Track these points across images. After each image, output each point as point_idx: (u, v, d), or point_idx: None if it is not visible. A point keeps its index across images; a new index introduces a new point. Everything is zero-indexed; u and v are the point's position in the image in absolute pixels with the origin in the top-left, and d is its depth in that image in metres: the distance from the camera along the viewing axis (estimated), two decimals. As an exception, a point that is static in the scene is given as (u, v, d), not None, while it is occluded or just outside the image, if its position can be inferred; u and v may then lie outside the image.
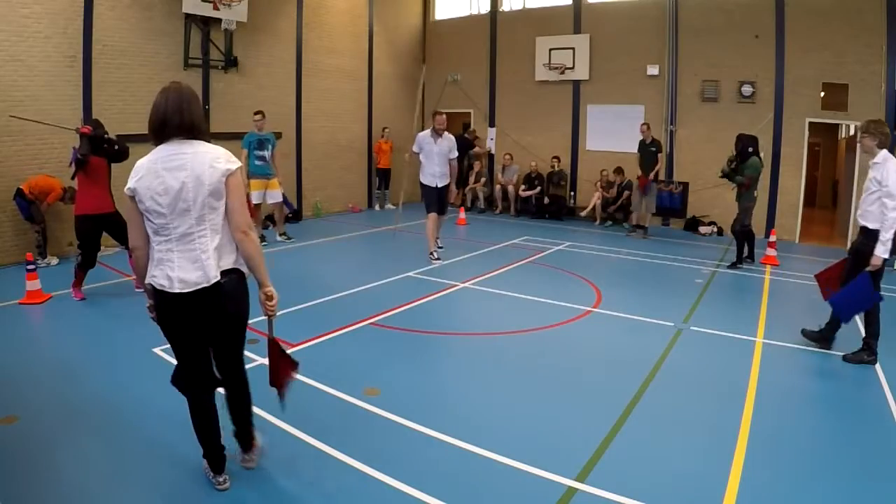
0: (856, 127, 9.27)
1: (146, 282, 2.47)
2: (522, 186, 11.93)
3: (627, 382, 4.00)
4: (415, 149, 7.54)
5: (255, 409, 2.92)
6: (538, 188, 11.78)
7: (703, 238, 10.00)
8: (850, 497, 2.77)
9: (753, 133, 9.84)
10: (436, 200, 7.48)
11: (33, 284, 5.50)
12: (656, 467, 2.98)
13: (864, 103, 8.93)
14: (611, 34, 11.22)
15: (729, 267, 7.65)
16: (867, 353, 4.37)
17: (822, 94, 9.37)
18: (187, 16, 8.53)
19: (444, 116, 7.48)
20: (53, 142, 7.29)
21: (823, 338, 4.69)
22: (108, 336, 4.73)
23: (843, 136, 11.96)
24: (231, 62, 9.23)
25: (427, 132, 7.49)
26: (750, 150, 7.47)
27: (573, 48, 11.51)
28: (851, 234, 9.22)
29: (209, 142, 2.50)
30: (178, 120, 2.40)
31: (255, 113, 8.41)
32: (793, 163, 9.70)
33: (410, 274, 6.89)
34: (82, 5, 7.33)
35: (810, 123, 9.56)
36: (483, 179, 12.63)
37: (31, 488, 2.68)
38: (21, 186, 6.67)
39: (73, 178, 5.68)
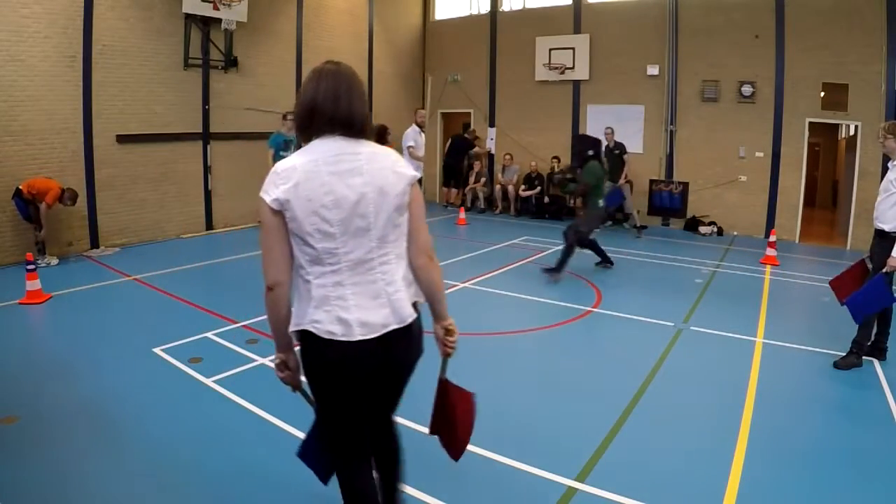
0: (856, 127, 9.28)
1: (293, 329, 1.81)
2: (522, 186, 11.94)
3: (627, 382, 4.00)
4: (409, 143, 8.22)
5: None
6: (538, 188, 11.78)
7: (703, 238, 10.00)
8: (850, 497, 2.77)
9: (754, 133, 9.93)
10: None
11: (33, 284, 5.50)
12: (656, 467, 2.98)
13: (864, 103, 8.93)
14: (611, 34, 11.22)
15: (598, 264, 7.25)
16: (856, 356, 4.36)
17: (822, 94, 9.37)
18: (187, 16, 8.53)
19: (424, 112, 8.63)
20: (53, 142, 7.29)
21: (874, 348, 4.52)
22: (109, 336, 4.73)
23: (843, 136, 11.95)
24: (231, 62, 9.23)
25: (415, 128, 8.28)
26: (590, 153, 6.98)
27: (573, 48, 11.51)
28: (851, 234, 9.24)
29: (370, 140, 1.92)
30: (333, 110, 1.78)
31: (289, 113, 8.56)
32: (793, 163, 9.70)
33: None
34: (82, 5, 7.33)
35: (810, 123, 9.55)
36: (483, 179, 12.63)
37: (31, 488, 2.68)
38: (20, 186, 6.67)
39: None
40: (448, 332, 2.00)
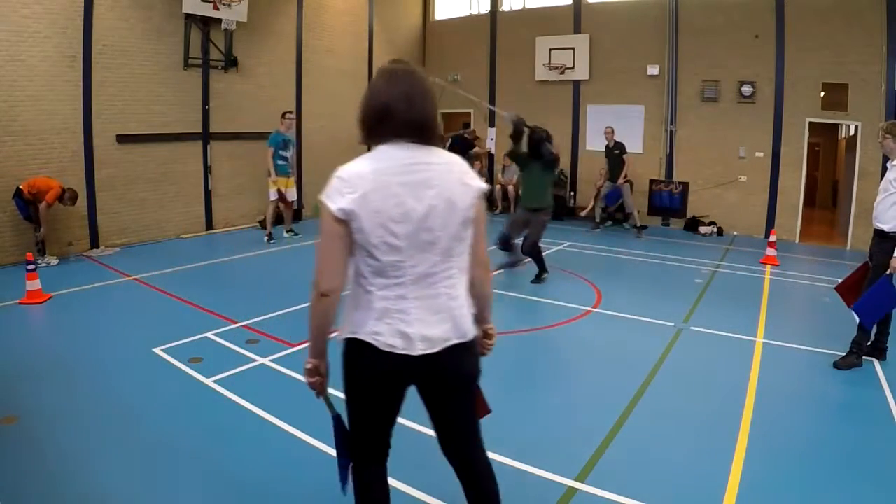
0: (856, 127, 9.28)
1: (347, 337, 1.79)
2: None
3: (627, 382, 4.00)
4: None
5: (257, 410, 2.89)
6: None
7: (703, 238, 10.00)
8: (850, 497, 2.77)
9: (754, 133, 9.93)
10: None
11: (33, 284, 5.49)
12: (656, 467, 2.98)
13: (864, 103, 8.93)
14: (611, 34, 11.22)
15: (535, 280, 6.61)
16: (856, 356, 4.35)
17: (822, 94, 9.37)
18: (187, 16, 8.52)
19: None
20: (53, 142, 7.29)
21: (874, 348, 4.52)
22: (109, 336, 4.73)
23: (843, 136, 11.95)
24: (231, 62, 9.23)
25: None
26: (533, 136, 6.52)
27: (573, 48, 11.51)
28: (851, 234, 9.24)
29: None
30: (405, 113, 1.68)
31: (289, 112, 8.66)
32: (793, 163, 9.70)
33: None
34: (82, 5, 7.33)
35: (810, 123, 9.55)
36: (483, 179, 12.63)
37: (31, 488, 2.68)
38: (20, 186, 6.67)
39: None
40: (487, 335, 1.99)
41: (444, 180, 1.71)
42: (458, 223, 1.72)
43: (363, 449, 1.93)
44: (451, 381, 1.84)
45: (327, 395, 1.94)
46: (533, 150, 6.50)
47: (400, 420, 3.30)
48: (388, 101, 1.68)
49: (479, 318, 1.94)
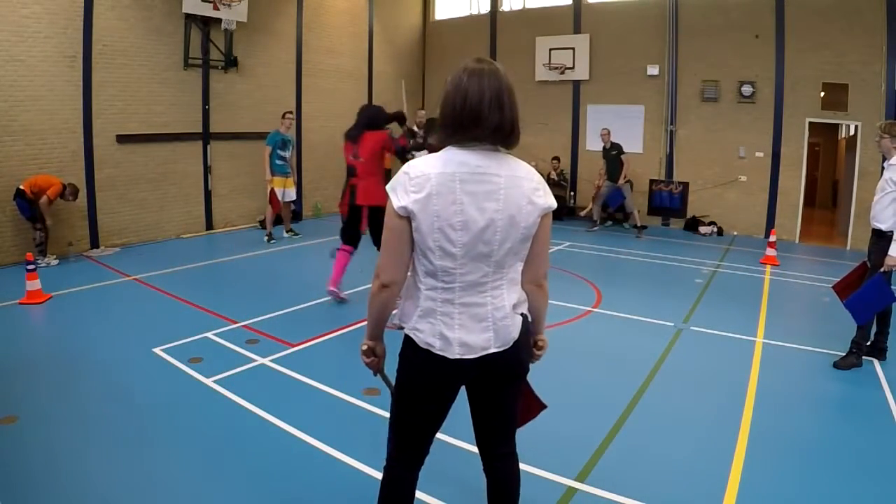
0: (856, 127, 9.28)
1: (399, 323, 1.81)
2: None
3: (627, 382, 4.00)
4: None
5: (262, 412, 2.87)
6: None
7: (703, 238, 10.00)
8: (850, 497, 2.77)
9: (754, 133, 9.92)
10: None
11: (33, 284, 5.50)
12: (656, 467, 2.98)
13: (864, 103, 8.93)
14: (611, 34, 11.22)
15: None
16: (856, 356, 4.36)
17: (822, 94, 9.37)
18: (187, 16, 8.53)
19: (423, 111, 8.76)
20: (53, 142, 7.29)
21: (874, 348, 4.52)
22: (109, 336, 4.73)
23: (843, 136, 11.96)
24: (231, 62, 9.23)
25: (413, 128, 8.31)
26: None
27: (573, 48, 11.51)
28: (851, 234, 9.24)
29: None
30: (497, 118, 1.63)
31: (288, 112, 8.68)
32: (793, 163, 9.70)
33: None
34: (82, 5, 7.33)
35: (810, 123, 9.55)
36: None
37: (31, 488, 2.68)
38: (21, 186, 6.67)
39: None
40: (538, 346, 1.96)
41: (510, 195, 1.65)
42: (517, 240, 1.69)
43: (397, 445, 1.93)
44: (489, 385, 1.84)
45: (385, 374, 1.97)
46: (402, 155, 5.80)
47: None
48: (479, 105, 1.62)
49: (532, 330, 1.91)
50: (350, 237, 5.62)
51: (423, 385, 1.80)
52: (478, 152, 1.66)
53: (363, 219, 5.43)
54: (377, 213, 5.15)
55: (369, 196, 5.28)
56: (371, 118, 5.42)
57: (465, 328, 1.71)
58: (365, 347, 1.87)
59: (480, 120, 1.62)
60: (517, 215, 1.66)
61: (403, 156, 5.65)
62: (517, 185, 1.67)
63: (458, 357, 1.71)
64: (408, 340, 1.78)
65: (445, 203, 1.61)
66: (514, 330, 1.76)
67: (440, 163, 1.64)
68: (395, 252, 1.68)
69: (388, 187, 1.67)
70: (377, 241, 5.15)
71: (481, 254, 1.66)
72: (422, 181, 1.61)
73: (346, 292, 5.80)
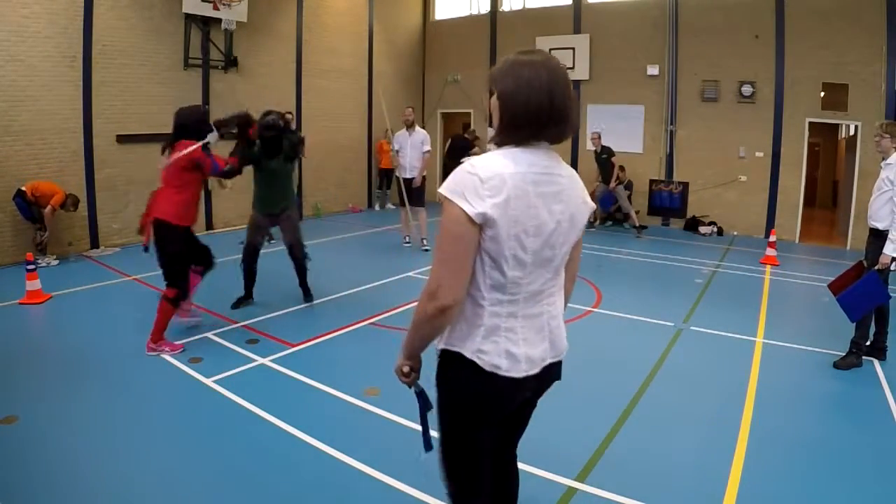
0: (856, 127, 9.28)
1: (449, 349, 1.61)
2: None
3: (627, 382, 4.00)
4: (395, 147, 8.22)
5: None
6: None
7: (703, 238, 10.01)
8: (850, 497, 2.77)
9: (754, 133, 9.92)
10: (405, 193, 8.18)
11: (33, 284, 5.50)
12: (656, 467, 2.98)
13: (864, 103, 8.93)
14: (611, 34, 11.22)
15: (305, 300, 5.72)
16: (856, 356, 4.35)
17: (822, 94, 9.37)
18: (187, 16, 8.53)
19: (410, 109, 8.31)
20: (53, 142, 7.30)
21: (874, 348, 4.52)
22: (109, 336, 4.73)
23: (843, 136, 11.95)
24: (231, 62, 9.23)
25: (404, 129, 8.14)
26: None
27: (573, 48, 11.51)
28: (851, 235, 9.24)
29: None
30: (558, 113, 1.51)
31: (287, 113, 8.63)
32: (793, 163, 9.70)
33: (410, 274, 6.89)
34: (82, 5, 7.33)
35: (810, 123, 9.56)
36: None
37: (31, 488, 2.68)
38: (23, 188, 6.68)
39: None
40: None
41: (570, 196, 1.59)
42: (572, 242, 1.63)
43: (463, 479, 1.74)
44: (537, 396, 1.78)
45: (421, 387, 1.78)
46: (269, 146, 5.27)
47: (400, 420, 3.30)
48: (542, 100, 1.48)
49: None
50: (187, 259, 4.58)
51: (489, 414, 1.64)
52: (540, 151, 1.55)
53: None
54: (162, 229, 4.31)
55: (161, 208, 4.38)
56: (184, 123, 4.50)
57: (528, 342, 1.59)
58: (406, 369, 1.67)
59: (542, 116, 1.50)
60: (577, 215, 1.60)
61: (229, 175, 4.93)
62: (574, 186, 1.61)
63: (524, 375, 1.58)
64: (461, 365, 1.58)
65: (522, 207, 1.47)
66: (565, 339, 1.70)
67: (510, 162, 1.49)
68: (461, 266, 1.47)
69: (448, 190, 1.47)
70: (161, 265, 4.43)
71: (545, 259, 1.56)
72: (498, 183, 1.45)
73: (348, 291, 5.79)
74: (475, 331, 1.55)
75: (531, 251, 1.51)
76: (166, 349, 4.33)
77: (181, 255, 4.46)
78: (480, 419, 1.65)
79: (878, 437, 3.37)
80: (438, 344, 1.63)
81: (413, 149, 8.04)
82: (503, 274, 1.51)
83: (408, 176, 8.13)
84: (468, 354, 1.56)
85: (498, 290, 1.53)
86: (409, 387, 1.73)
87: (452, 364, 1.60)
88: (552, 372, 1.71)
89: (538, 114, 1.49)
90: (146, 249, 4.49)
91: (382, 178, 12.19)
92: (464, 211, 1.43)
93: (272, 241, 8.49)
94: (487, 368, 1.54)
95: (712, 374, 4.25)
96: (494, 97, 1.56)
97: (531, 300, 1.59)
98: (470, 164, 1.49)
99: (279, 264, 7.45)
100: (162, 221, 4.31)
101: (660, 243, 9.35)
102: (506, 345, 1.55)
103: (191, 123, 4.46)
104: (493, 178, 1.44)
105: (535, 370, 1.61)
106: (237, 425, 3.34)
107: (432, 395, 1.72)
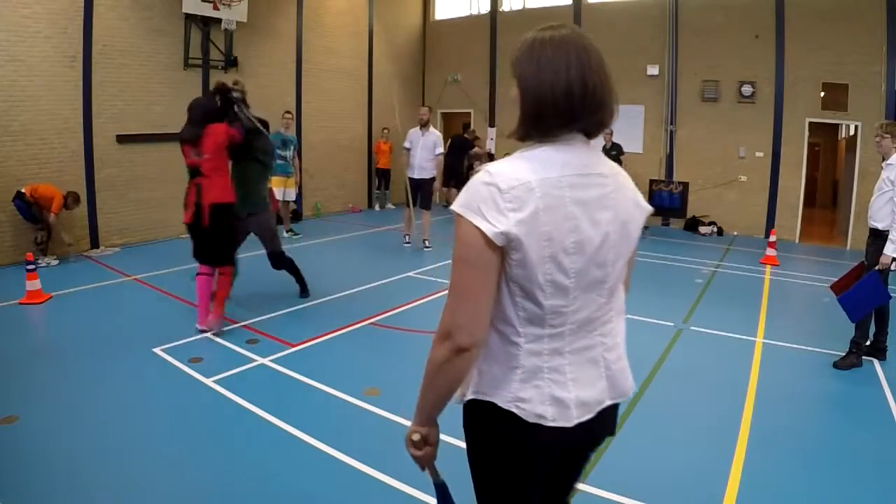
0: (856, 127, 9.29)
1: (478, 398, 1.30)
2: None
3: (627, 382, 4.00)
4: (406, 145, 8.12)
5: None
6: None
7: (703, 238, 10.01)
8: (850, 497, 2.77)
9: (754, 133, 9.93)
10: (411, 192, 8.12)
11: (33, 284, 5.49)
12: (656, 467, 2.98)
13: (864, 103, 8.93)
14: (611, 34, 11.20)
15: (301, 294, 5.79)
16: (856, 356, 4.35)
17: (822, 94, 9.38)
18: (187, 16, 8.53)
19: (426, 109, 8.16)
20: (53, 142, 7.29)
21: (874, 348, 4.52)
22: (109, 336, 4.72)
23: (843, 136, 11.96)
24: (231, 62, 9.23)
25: (417, 127, 8.01)
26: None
27: (573, 48, 11.50)
28: (851, 235, 9.25)
29: None
30: (591, 98, 1.21)
31: (286, 113, 8.67)
32: (793, 163, 9.71)
33: (410, 274, 6.89)
34: (82, 5, 7.33)
35: (810, 123, 9.56)
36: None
37: (31, 488, 2.68)
38: (23, 189, 6.68)
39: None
40: None
41: (619, 199, 1.26)
42: (627, 255, 1.30)
43: None
44: (594, 445, 1.47)
45: (434, 467, 1.45)
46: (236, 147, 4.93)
47: (400, 420, 3.29)
48: (572, 83, 1.18)
49: None
50: (205, 253, 4.69)
51: (533, 471, 1.32)
52: (575, 147, 1.23)
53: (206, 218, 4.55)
54: (221, 212, 4.54)
55: (215, 193, 4.53)
56: (207, 111, 4.70)
57: (579, 382, 1.27)
58: (417, 438, 1.33)
59: (573, 104, 1.20)
60: (629, 223, 1.28)
61: (246, 139, 4.87)
62: (623, 186, 1.29)
63: (576, 423, 1.27)
64: (495, 419, 1.27)
65: (557, 220, 1.16)
66: (629, 377, 1.38)
67: (537, 164, 1.19)
68: (480, 299, 1.18)
69: (461, 206, 1.18)
70: (219, 247, 4.61)
71: (595, 281, 1.25)
72: (522, 194, 1.14)
73: (348, 291, 5.80)
74: (510, 375, 1.25)
75: (573, 273, 1.20)
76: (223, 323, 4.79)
77: (238, 229, 4.97)
78: (524, 481, 1.32)
79: (878, 436, 3.37)
80: (461, 399, 1.33)
81: (424, 149, 7.94)
82: (538, 304, 1.21)
83: (416, 176, 8.06)
84: (503, 404, 1.25)
85: (535, 324, 1.23)
86: (422, 469, 1.41)
87: (484, 418, 1.30)
88: (611, 419, 1.40)
89: (568, 100, 1.19)
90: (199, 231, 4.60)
91: (380, 179, 12.19)
92: (480, 231, 1.14)
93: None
94: (531, 420, 1.24)
95: (712, 375, 4.25)
96: (515, 86, 1.28)
97: (580, 331, 1.27)
98: (486, 172, 1.19)
99: (279, 264, 7.46)
100: (220, 205, 4.59)
101: (660, 243, 9.35)
102: (551, 389, 1.24)
103: (212, 107, 4.81)
104: (515, 187, 1.15)
105: (589, 415, 1.29)
106: (237, 425, 3.34)
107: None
